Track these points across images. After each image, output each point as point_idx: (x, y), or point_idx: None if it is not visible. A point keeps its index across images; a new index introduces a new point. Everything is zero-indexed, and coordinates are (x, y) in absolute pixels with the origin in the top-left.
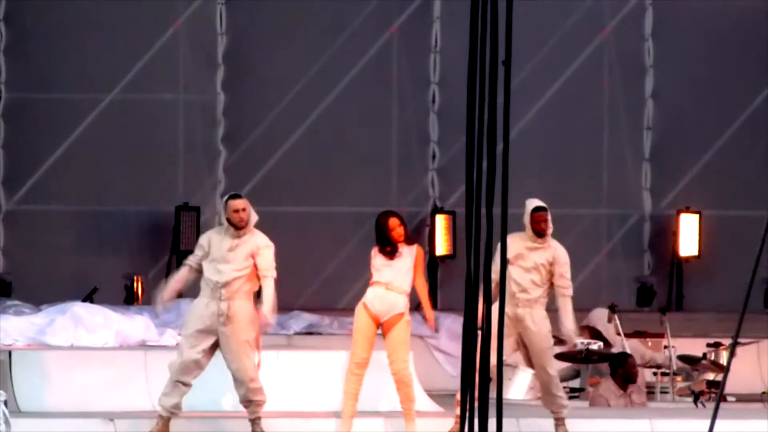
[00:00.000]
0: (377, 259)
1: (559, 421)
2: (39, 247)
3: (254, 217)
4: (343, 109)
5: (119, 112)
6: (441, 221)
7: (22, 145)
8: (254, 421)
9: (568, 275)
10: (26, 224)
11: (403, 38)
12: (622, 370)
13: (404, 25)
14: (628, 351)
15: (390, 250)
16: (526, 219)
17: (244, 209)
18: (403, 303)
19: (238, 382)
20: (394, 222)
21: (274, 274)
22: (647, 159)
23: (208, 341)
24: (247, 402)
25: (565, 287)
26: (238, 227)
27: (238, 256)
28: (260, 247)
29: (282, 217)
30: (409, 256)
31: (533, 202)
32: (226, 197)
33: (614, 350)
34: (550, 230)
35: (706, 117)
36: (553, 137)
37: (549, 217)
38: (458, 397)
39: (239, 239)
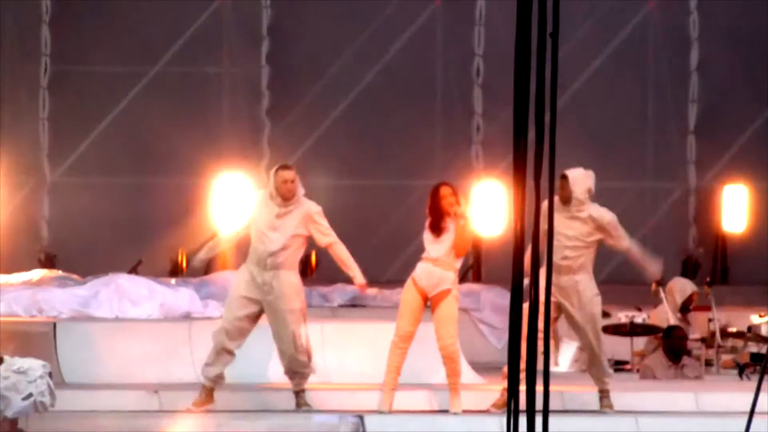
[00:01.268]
0: (426, 234)
1: (603, 393)
2: (84, 219)
3: (301, 190)
4: (387, 81)
5: (163, 85)
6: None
7: (67, 118)
8: (298, 394)
9: (620, 230)
10: (71, 196)
11: (447, 10)
12: (669, 342)
13: None
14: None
15: (436, 226)
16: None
17: (292, 180)
18: (450, 279)
19: (283, 352)
20: (445, 191)
21: (335, 237)
22: (692, 132)
23: (253, 309)
24: (292, 373)
25: (622, 239)
26: (286, 198)
27: (286, 226)
28: (312, 213)
29: (325, 189)
30: (454, 230)
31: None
32: (275, 168)
33: (672, 323)
34: (579, 195)
35: (752, 89)
36: (598, 110)
37: (570, 183)
38: (505, 370)
39: (286, 209)
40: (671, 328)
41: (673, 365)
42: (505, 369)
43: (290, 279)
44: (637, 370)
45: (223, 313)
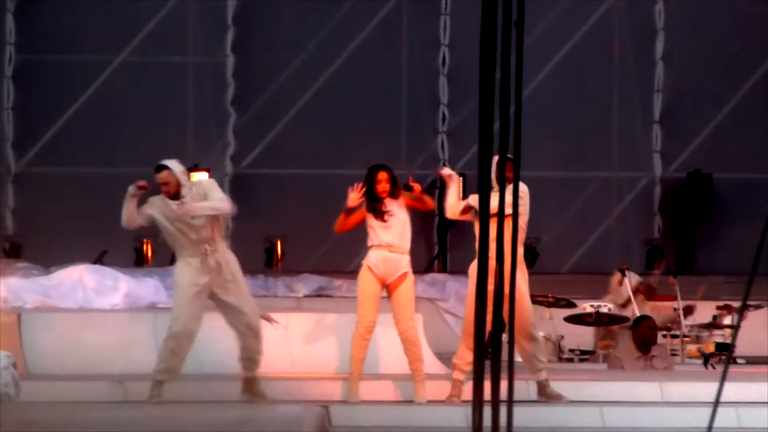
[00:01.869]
0: (371, 221)
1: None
2: (48, 209)
3: (184, 178)
4: (353, 71)
5: (128, 74)
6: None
7: (32, 107)
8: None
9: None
10: (36, 186)
11: (413, 0)
12: (638, 333)
13: None
14: (638, 313)
15: (378, 211)
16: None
17: (166, 183)
18: (406, 261)
19: (253, 332)
20: (381, 176)
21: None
22: (657, 122)
23: (204, 301)
24: (252, 360)
25: None
26: (172, 198)
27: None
28: (204, 188)
29: (291, 179)
30: (400, 210)
31: None
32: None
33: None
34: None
35: (717, 79)
36: (564, 100)
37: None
38: (455, 360)
39: (183, 199)
40: (641, 319)
41: (642, 356)
42: (454, 359)
43: (230, 255)
44: (603, 360)
45: (175, 318)
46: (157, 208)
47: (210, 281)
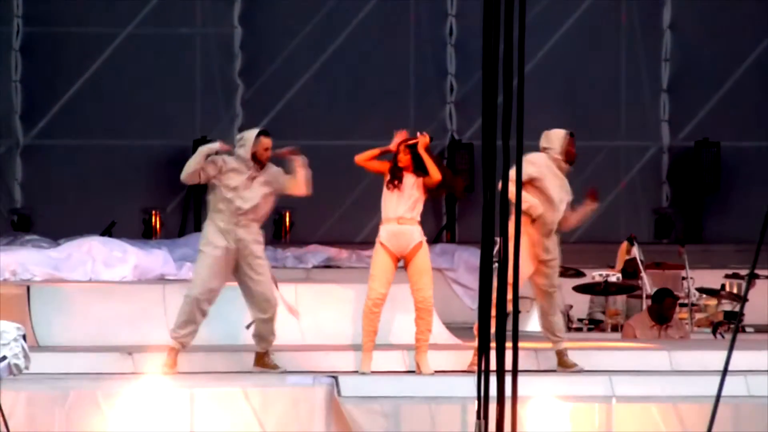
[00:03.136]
0: (386, 194)
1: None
2: (57, 181)
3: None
4: (361, 42)
5: (136, 46)
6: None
7: (40, 80)
8: (265, 354)
9: None
10: (44, 159)
11: None
12: (658, 307)
13: None
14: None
15: (393, 180)
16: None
17: (269, 149)
18: (418, 232)
19: (270, 305)
20: (402, 147)
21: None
22: (665, 90)
23: (229, 267)
24: (264, 339)
25: None
26: (263, 164)
27: (259, 186)
28: (275, 172)
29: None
30: (415, 187)
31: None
32: (257, 132)
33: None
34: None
35: (724, 48)
36: (572, 69)
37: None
38: (476, 329)
39: (258, 172)
40: (664, 294)
41: (657, 326)
42: (476, 328)
43: (260, 236)
44: (613, 329)
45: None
46: (227, 167)
47: (237, 253)
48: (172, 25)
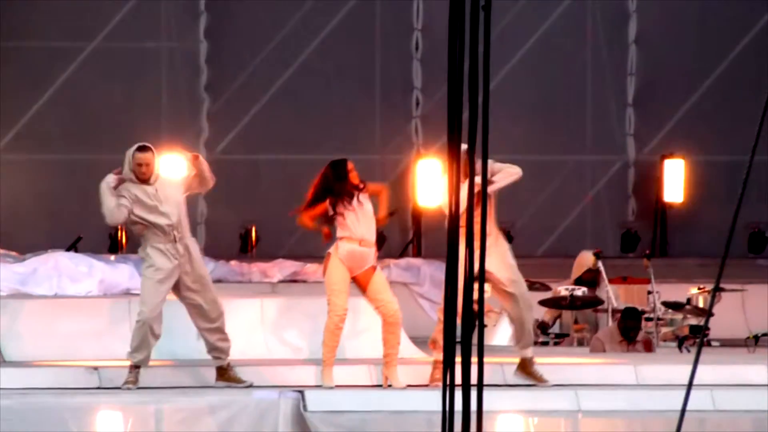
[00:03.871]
0: (344, 211)
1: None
2: (22, 195)
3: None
4: (327, 56)
5: (102, 60)
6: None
7: (5, 94)
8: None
9: None
10: (10, 173)
11: None
12: (627, 323)
13: None
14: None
15: (350, 198)
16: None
17: (148, 164)
18: (373, 256)
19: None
20: (351, 165)
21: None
22: (631, 105)
23: (171, 286)
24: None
25: None
26: (146, 181)
27: (169, 195)
28: (168, 182)
29: (265, 164)
30: (366, 201)
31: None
32: (134, 148)
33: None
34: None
35: (690, 62)
36: (537, 84)
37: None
38: (434, 336)
39: (154, 185)
40: (630, 313)
41: (625, 341)
42: (433, 335)
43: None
44: (578, 344)
45: (145, 299)
46: (131, 196)
47: (179, 266)
48: (138, 39)
